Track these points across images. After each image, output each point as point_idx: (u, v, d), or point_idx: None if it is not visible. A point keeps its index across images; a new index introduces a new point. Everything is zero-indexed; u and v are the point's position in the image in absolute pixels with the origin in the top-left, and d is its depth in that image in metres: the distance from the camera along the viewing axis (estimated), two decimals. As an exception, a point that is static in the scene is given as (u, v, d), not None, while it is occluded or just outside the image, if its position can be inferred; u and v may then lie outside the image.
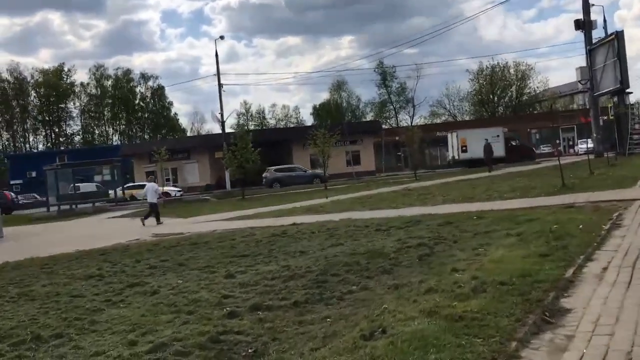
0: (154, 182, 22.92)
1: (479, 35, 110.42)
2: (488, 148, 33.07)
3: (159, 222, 19.74)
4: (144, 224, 19.37)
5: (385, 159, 57.21)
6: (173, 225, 18.67)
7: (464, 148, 44.12)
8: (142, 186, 32.28)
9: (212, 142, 50.83)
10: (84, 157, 51.04)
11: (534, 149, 48.50)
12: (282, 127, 79.16)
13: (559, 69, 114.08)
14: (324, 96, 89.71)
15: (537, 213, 10.66)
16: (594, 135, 35.58)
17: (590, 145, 39.65)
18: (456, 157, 44.89)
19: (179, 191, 42.76)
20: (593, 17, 34.53)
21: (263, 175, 43.16)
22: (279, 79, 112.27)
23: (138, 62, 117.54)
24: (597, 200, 11.66)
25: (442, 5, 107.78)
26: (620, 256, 5.88)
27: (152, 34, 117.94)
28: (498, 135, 43.93)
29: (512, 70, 73.46)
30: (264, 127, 79.94)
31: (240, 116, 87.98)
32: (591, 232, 7.46)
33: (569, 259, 5.81)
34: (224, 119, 41.00)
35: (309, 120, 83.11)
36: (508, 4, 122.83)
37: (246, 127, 73.21)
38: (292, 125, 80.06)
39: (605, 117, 40.41)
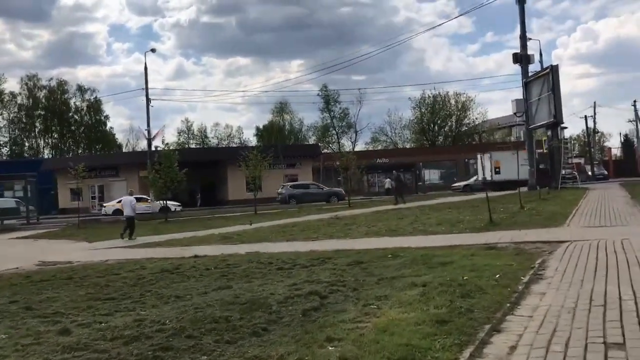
0: (132, 195, 22.54)
1: (426, 66, 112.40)
2: (398, 178, 32.09)
3: (131, 237, 19.55)
4: (124, 238, 19.38)
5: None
6: (69, 252, 16.76)
7: (497, 170, 42.91)
8: (139, 199, 30.93)
9: (142, 159, 48.41)
10: (3, 171, 47.65)
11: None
12: (217, 146, 77.06)
13: (499, 102, 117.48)
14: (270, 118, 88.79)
15: (455, 254, 9.57)
16: (529, 168, 35.53)
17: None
18: (487, 179, 43.48)
19: (179, 205, 40.89)
20: (531, 52, 34.83)
21: (278, 191, 41.82)
22: (226, 99, 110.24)
23: (82, 75, 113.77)
24: (522, 240, 10.69)
25: (389, 34, 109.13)
26: (534, 326, 4.70)
27: (98, 48, 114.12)
28: (526, 159, 43.28)
29: (452, 101, 74.38)
30: (205, 146, 77.85)
31: (181, 134, 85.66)
32: (507, 286, 6.32)
33: (470, 331, 4.59)
34: (152, 136, 38.83)
35: (252, 142, 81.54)
36: (453, 38, 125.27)
37: (173, 146, 71.05)
38: (234, 146, 78.25)
39: (540, 151, 40.71)
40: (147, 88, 38.76)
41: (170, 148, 32.93)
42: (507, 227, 13.78)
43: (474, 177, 46.27)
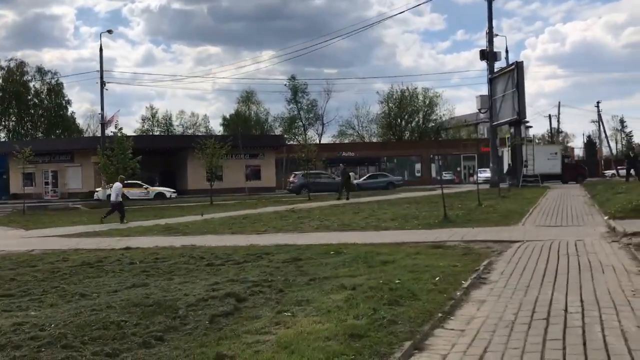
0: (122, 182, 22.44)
1: (397, 61, 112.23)
2: (345, 173, 30.69)
3: (123, 221, 19.78)
4: (103, 222, 19.49)
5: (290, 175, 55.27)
6: (3, 240, 15.64)
7: (525, 163, 42.81)
8: (132, 185, 31.98)
9: (97, 144, 46.77)
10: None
11: (586, 168, 47.58)
12: (176, 134, 75.31)
13: (467, 99, 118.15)
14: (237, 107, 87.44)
15: (400, 252, 8.90)
16: (491, 165, 35.35)
17: (489, 174, 39.59)
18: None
19: (174, 192, 40.42)
20: (499, 50, 34.60)
21: (289, 180, 41.08)
22: (195, 87, 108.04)
23: (47, 57, 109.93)
24: (472, 239, 10.06)
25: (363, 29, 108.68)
26: (464, 343, 3.99)
27: (64, 31, 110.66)
28: (556, 153, 42.73)
29: (420, 97, 74.15)
30: (166, 134, 76.10)
31: (145, 121, 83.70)
32: (444, 292, 5.62)
33: (386, 350, 3.85)
34: (106, 121, 37.33)
35: (218, 131, 79.99)
36: (425, 34, 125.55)
37: (137, 133, 69.41)
38: (196, 134, 76.63)
39: (504, 148, 40.62)
40: (101, 71, 37.21)
41: (124, 134, 31.42)
42: (461, 224, 13.19)
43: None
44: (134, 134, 62.90)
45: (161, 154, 48.44)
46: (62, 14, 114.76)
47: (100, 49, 38.16)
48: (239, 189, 44.10)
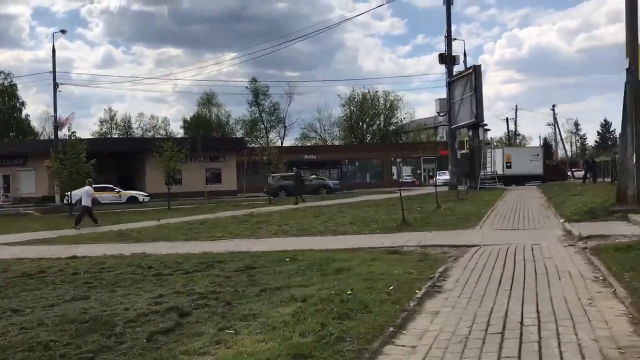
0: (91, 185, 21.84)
1: (358, 65, 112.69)
2: (298, 176, 30.21)
3: (96, 223, 19.75)
4: (76, 228, 19.06)
5: (251, 179, 54.70)
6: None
7: (508, 164, 42.83)
8: (104, 189, 30.63)
9: (51, 148, 45.31)
10: None
11: (566, 169, 48.30)
12: (134, 137, 73.73)
13: (427, 103, 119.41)
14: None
15: (356, 259, 8.66)
16: (450, 167, 35.60)
17: (448, 177, 39.93)
18: (499, 173, 43.39)
19: (147, 196, 39.36)
20: (457, 54, 34.90)
21: (269, 181, 39.92)
22: (156, 90, 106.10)
23: (2, 58, 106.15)
24: (429, 244, 9.91)
25: (324, 32, 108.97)
26: (415, 360, 3.74)
27: (20, 31, 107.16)
28: (538, 154, 43.57)
29: (381, 100, 74.46)
30: (123, 136, 74.48)
31: (104, 124, 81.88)
32: (397, 302, 5.39)
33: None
34: (59, 124, 36.12)
35: (179, 133, 78.68)
36: (386, 38, 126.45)
37: (95, 135, 67.83)
38: (155, 137, 75.24)
39: (463, 151, 41.04)
40: (54, 72, 36.00)
41: (77, 137, 30.42)
42: (419, 228, 13.08)
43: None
44: (92, 137, 61.48)
45: (119, 157, 47.22)
46: (17, 13, 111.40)
47: (53, 50, 37.03)
48: (198, 192, 43.33)
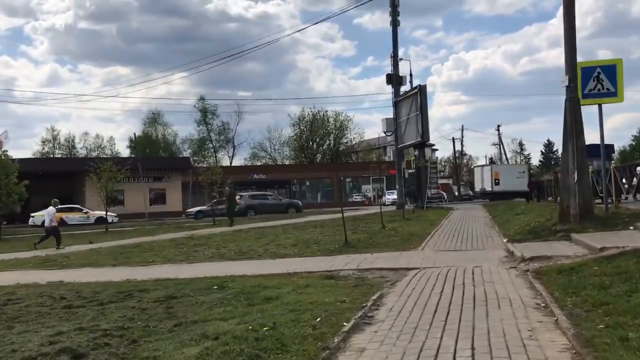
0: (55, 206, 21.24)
1: (310, 86, 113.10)
2: (231, 196, 28.57)
3: (58, 246, 19.07)
4: (35, 248, 18.73)
5: (197, 199, 53.39)
6: None
7: (497, 181, 44.20)
8: (71, 209, 29.06)
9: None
10: None
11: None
12: (71, 157, 71.32)
13: (377, 124, 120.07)
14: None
15: (289, 285, 8.06)
16: (397, 187, 35.53)
17: (395, 196, 39.91)
18: (487, 189, 45.08)
19: (116, 216, 37.22)
20: (404, 74, 35.08)
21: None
22: (103, 109, 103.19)
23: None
24: (368, 267, 9.39)
25: (275, 53, 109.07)
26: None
27: None
28: (524, 172, 45.33)
29: (331, 120, 74.51)
30: (72, 157, 71.88)
31: (46, 143, 78.92)
32: (321, 338, 4.80)
33: None
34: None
35: (125, 153, 76.55)
36: (336, 60, 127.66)
37: (36, 155, 65.27)
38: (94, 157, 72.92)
39: (411, 170, 41.15)
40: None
41: (8, 156, 28.80)
42: (360, 249, 12.59)
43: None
44: (26, 157, 58.86)
45: (58, 178, 45.32)
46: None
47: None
48: (141, 214, 41.91)
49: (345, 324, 5.29)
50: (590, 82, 12.79)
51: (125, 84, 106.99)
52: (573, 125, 12.27)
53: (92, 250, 17.41)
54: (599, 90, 12.80)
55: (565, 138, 12.50)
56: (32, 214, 36.80)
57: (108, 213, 38.03)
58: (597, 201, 14.72)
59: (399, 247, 12.64)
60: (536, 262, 8.66)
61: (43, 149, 77.74)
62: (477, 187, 50.24)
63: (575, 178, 12.09)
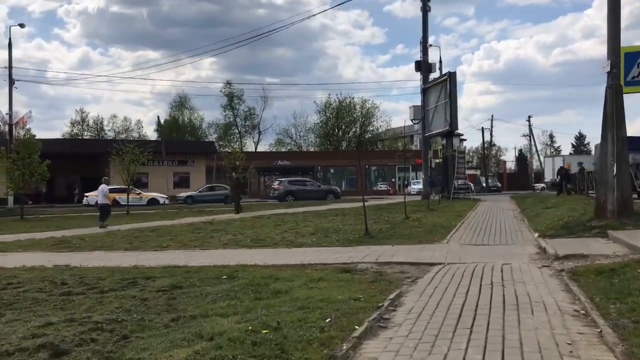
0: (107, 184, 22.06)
1: (338, 73, 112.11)
2: (237, 182, 27.06)
3: (103, 223, 19.42)
4: (101, 227, 18.94)
5: (220, 184, 53.24)
6: None
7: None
8: (124, 190, 29.65)
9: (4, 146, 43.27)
10: None
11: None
12: (97, 138, 71.70)
13: (405, 112, 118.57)
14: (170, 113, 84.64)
15: (302, 277, 7.51)
16: (423, 176, 34.72)
17: (421, 186, 39.07)
18: (557, 180, 43.24)
19: (166, 198, 38.12)
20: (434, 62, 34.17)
21: (273, 186, 39.58)
22: (134, 93, 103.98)
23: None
24: (388, 260, 8.77)
25: (305, 39, 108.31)
26: None
27: None
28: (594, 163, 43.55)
29: (357, 107, 73.54)
30: (90, 138, 72.44)
31: (75, 125, 79.79)
32: (328, 344, 4.23)
33: None
34: (13, 122, 34.38)
35: (152, 136, 76.86)
36: (366, 47, 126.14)
37: (66, 137, 65.79)
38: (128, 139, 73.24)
39: (438, 160, 40.22)
40: (10, 67, 34.22)
41: (32, 135, 28.79)
42: (381, 240, 11.98)
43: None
44: (58, 138, 59.37)
45: (82, 158, 45.52)
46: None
47: (9, 44, 35.23)
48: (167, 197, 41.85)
49: (357, 327, 4.70)
50: (635, 68, 11.89)
51: (154, 69, 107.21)
52: (614, 114, 11.42)
53: (110, 233, 17.14)
54: (643, 77, 11.89)
55: (604, 128, 11.65)
56: (86, 194, 36.98)
57: (160, 195, 38.22)
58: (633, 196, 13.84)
59: (422, 239, 11.98)
60: (571, 260, 7.96)
61: (72, 130, 78.60)
62: (548, 179, 48.83)
63: (614, 171, 11.26)
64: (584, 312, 5.04)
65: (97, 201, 21.78)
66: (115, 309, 6.10)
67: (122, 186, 29.71)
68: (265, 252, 11.23)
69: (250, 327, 4.65)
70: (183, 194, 40.79)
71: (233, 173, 29.61)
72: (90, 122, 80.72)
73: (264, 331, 4.50)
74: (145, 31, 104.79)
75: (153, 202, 37.20)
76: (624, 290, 5.65)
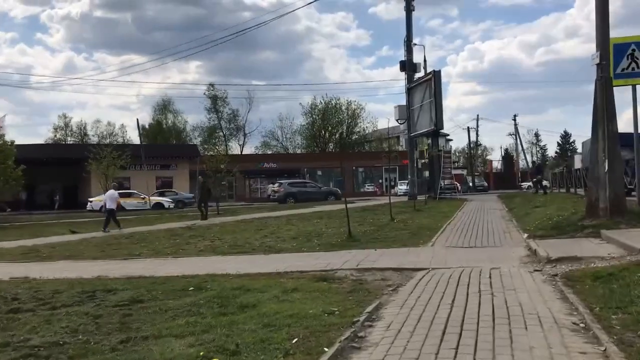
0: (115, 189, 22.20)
1: (324, 75, 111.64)
2: (204, 185, 25.78)
3: (119, 227, 19.64)
4: (105, 231, 18.84)
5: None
6: None
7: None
8: (129, 194, 29.04)
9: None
10: None
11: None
12: (75, 143, 70.52)
13: (391, 113, 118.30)
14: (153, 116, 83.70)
15: (274, 288, 6.90)
16: (409, 177, 34.23)
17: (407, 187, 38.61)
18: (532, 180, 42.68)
19: (172, 202, 37.26)
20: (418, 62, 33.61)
21: (273, 189, 39.12)
22: (119, 97, 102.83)
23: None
24: (369, 266, 8.18)
25: (290, 42, 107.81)
26: None
27: None
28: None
29: (344, 108, 73.02)
30: (84, 143, 71.28)
31: (58, 130, 78.73)
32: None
33: None
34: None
35: (137, 141, 75.66)
36: (350, 49, 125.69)
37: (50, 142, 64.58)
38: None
39: (424, 160, 39.82)
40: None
41: (5, 141, 27.90)
42: (364, 243, 11.40)
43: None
44: (35, 143, 58.16)
45: (63, 164, 44.50)
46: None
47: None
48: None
49: (326, 349, 4.10)
50: (624, 60, 11.37)
51: (140, 72, 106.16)
52: (604, 109, 10.91)
53: (84, 240, 16.44)
54: (633, 69, 11.37)
55: (595, 123, 11.14)
56: (90, 199, 35.80)
57: (165, 199, 37.20)
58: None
59: (406, 242, 11.41)
60: (565, 263, 7.41)
61: (55, 135, 77.47)
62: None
63: (606, 168, 10.76)
64: (583, 325, 4.47)
65: (102, 206, 21.98)
66: (61, 329, 5.45)
67: (128, 191, 29.08)
68: (241, 259, 10.61)
69: (202, 353, 4.03)
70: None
71: (199, 177, 28.10)
72: (74, 127, 79.71)
73: (236, 345, 3.88)
74: (130, 35, 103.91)
75: (158, 206, 35.98)
76: (626, 298, 5.10)
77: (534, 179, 33.10)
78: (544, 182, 32.61)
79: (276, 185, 39.99)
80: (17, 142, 30.13)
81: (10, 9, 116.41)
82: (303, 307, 5.56)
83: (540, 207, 17.26)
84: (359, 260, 8.85)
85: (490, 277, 6.79)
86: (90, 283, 8.27)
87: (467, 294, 5.82)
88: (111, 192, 21.51)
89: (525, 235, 11.18)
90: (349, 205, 27.12)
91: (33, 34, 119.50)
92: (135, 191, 37.87)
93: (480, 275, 6.94)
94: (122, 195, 32.57)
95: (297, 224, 18.26)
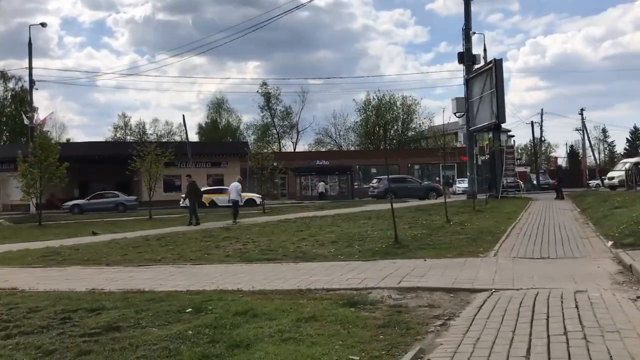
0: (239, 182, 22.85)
1: (381, 72, 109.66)
2: (192, 186, 22.25)
3: (235, 220, 19.95)
4: (235, 223, 19.33)
5: (252, 184, 51.45)
6: None
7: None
8: (220, 190, 31.05)
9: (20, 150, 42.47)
10: None
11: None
12: (125, 141, 70.99)
13: (449, 109, 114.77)
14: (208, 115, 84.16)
15: (287, 314, 5.38)
16: (468, 174, 31.96)
17: (466, 185, 36.28)
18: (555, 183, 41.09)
19: (261, 198, 35.42)
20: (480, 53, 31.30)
21: (372, 185, 38.96)
22: (181, 98, 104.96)
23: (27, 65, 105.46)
24: (413, 285, 6.46)
25: (347, 41, 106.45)
26: None
27: (49, 40, 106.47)
28: None
29: (399, 104, 70.79)
30: (108, 141, 72.12)
31: (118, 129, 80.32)
32: None
33: None
34: (34, 123, 33.33)
35: (195, 139, 76.17)
36: (409, 46, 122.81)
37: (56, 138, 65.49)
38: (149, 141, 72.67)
39: (484, 157, 37.35)
40: (30, 68, 33.39)
41: (49, 137, 27.52)
42: (412, 251, 9.69)
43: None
44: (82, 141, 58.88)
45: (114, 162, 44.39)
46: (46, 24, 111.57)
47: (29, 43, 34.24)
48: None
49: None
50: None
51: (200, 73, 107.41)
52: None
53: (113, 241, 15.36)
54: None
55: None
56: (182, 195, 34.83)
57: (256, 195, 35.96)
58: None
59: (463, 250, 9.59)
60: (678, 287, 5.49)
61: (115, 135, 78.89)
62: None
63: None
64: None
65: (230, 199, 22.42)
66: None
67: (219, 187, 28.47)
68: (265, 268, 9.09)
69: None
70: (69, 202, 37.25)
71: (187, 176, 24.71)
72: (133, 126, 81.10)
73: None
74: (190, 37, 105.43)
75: (250, 202, 34.57)
76: None
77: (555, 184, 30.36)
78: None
79: (375, 181, 39.11)
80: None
81: (79, 15, 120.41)
82: (311, 354, 3.94)
83: (621, 208, 14.92)
84: (402, 275, 7.15)
85: (576, 307, 4.97)
86: (78, 299, 6.94)
87: (548, 338, 4.04)
88: (235, 184, 22.03)
89: (610, 243, 9.18)
90: (401, 205, 25.50)
91: (100, 37, 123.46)
92: (227, 187, 36.77)
93: (562, 303, 5.14)
94: (214, 192, 31.97)
95: (342, 225, 16.72)
